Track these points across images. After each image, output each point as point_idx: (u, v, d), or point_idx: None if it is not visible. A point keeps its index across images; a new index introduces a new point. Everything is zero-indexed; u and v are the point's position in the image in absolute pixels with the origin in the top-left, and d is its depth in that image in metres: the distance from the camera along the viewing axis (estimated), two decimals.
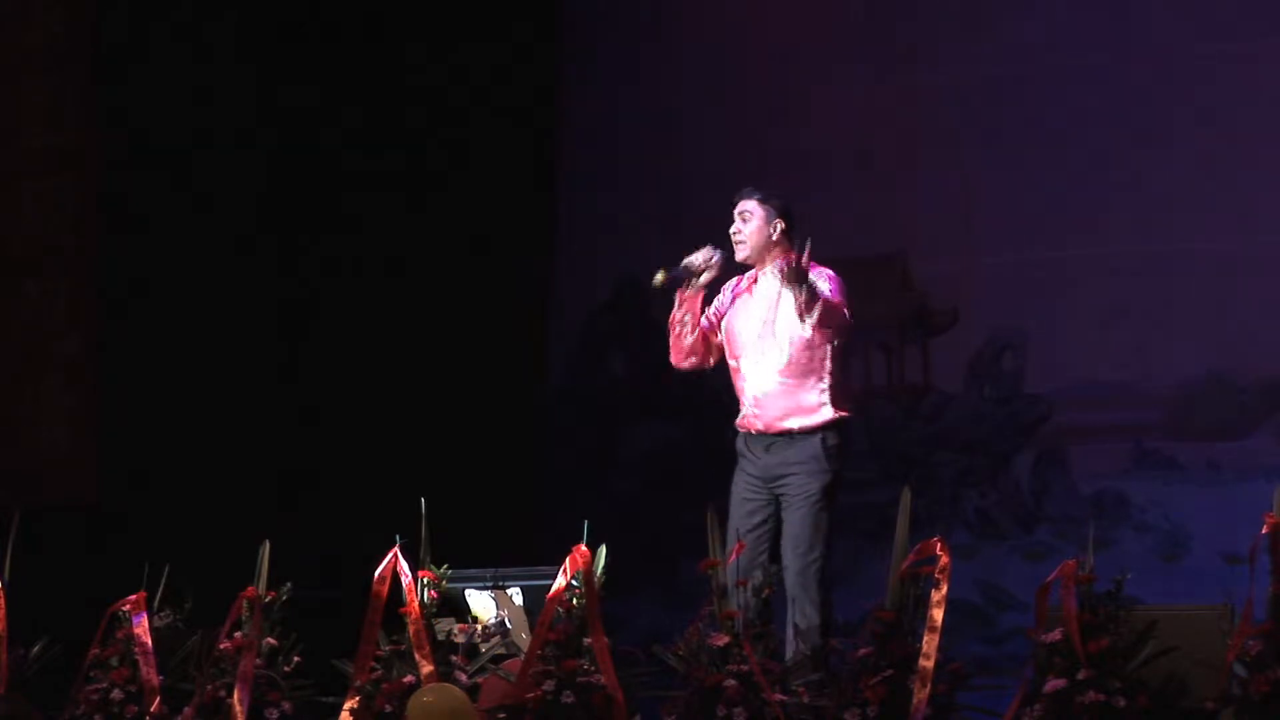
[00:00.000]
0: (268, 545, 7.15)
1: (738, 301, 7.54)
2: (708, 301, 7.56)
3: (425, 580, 6.85)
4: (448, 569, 6.95)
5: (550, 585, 6.62)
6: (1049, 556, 9.46)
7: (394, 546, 6.91)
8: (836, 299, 7.27)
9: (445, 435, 8.77)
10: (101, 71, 10.69)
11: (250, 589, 7.10)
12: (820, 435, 7.30)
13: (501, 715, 6.48)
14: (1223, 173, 9.78)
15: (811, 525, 7.18)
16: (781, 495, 7.31)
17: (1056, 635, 5.99)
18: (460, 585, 7.01)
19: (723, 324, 7.54)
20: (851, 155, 10.63)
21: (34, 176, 10.85)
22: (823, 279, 7.29)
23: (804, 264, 7.09)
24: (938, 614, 6.14)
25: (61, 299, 10.74)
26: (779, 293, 7.36)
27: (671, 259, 10.98)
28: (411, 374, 8.37)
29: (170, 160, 10.48)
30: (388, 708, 6.68)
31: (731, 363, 7.51)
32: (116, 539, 9.59)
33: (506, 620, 6.97)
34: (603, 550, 6.70)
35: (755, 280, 7.52)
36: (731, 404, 7.55)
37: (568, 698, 6.40)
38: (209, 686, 7.03)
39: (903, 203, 10.50)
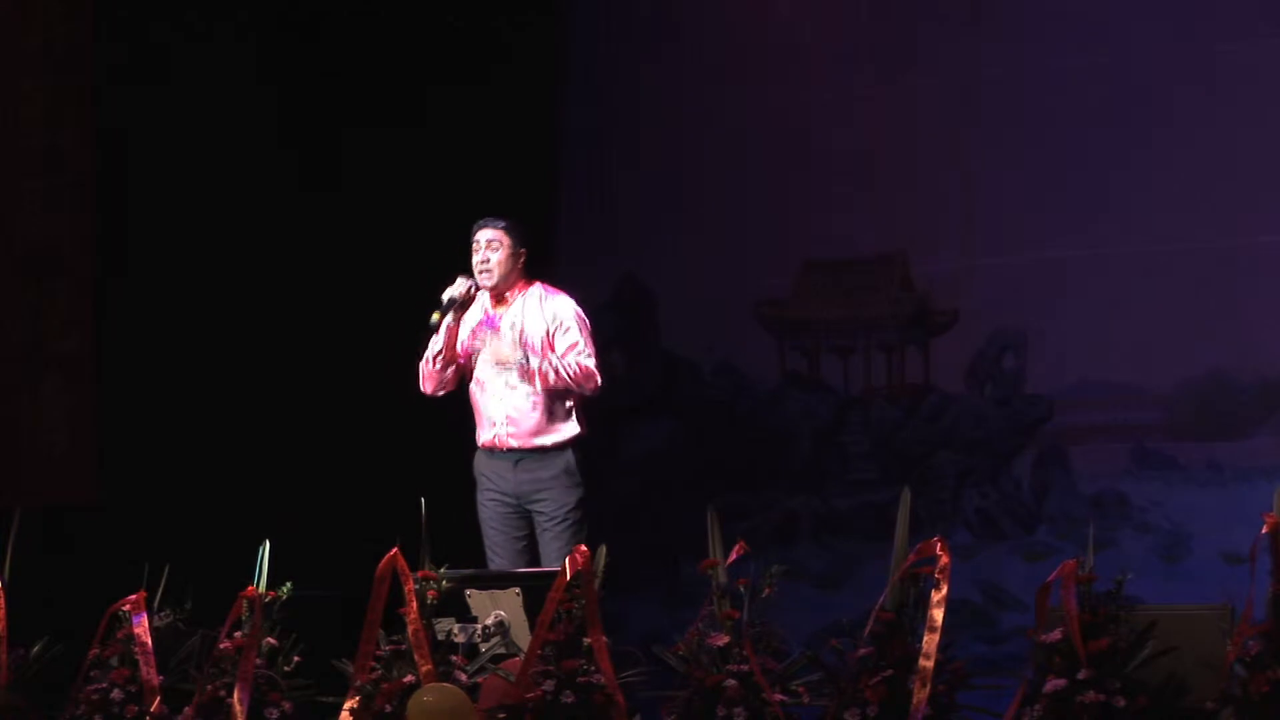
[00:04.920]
0: (268, 545, 7.16)
1: (484, 326, 7.91)
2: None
3: (425, 580, 6.85)
4: (447, 569, 6.95)
5: (550, 585, 6.62)
6: (1049, 556, 9.45)
7: (394, 546, 6.91)
8: (576, 376, 7.77)
9: (446, 435, 8.76)
10: (101, 72, 10.68)
11: (250, 589, 7.10)
12: (569, 450, 7.79)
13: (501, 715, 6.48)
14: (1223, 172, 9.78)
15: (571, 538, 7.57)
16: (536, 513, 7.77)
17: (1056, 635, 5.99)
18: (460, 585, 7.01)
19: (470, 348, 7.93)
20: (852, 155, 10.62)
21: (34, 176, 10.85)
22: (576, 355, 7.80)
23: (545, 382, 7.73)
24: (938, 614, 6.14)
25: (61, 299, 10.73)
26: (523, 319, 7.83)
27: (672, 259, 11.07)
28: (413, 374, 8.38)
29: (170, 160, 10.47)
30: (388, 708, 6.68)
31: (477, 387, 7.92)
32: (116, 539, 9.58)
33: (506, 620, 6.97)
34: (603, 550, 6.71)
35: (499, 303, 7.90)
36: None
37: (568, 698, 6.40)
38: (209, 686, 7.03)
39: (903, 203, 10.50)
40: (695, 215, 10.99)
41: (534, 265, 8.13)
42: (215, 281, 10.45)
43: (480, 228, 7.91)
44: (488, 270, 7.87)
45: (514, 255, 7.88)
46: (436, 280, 7.85)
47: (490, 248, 7.86)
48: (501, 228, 7.88)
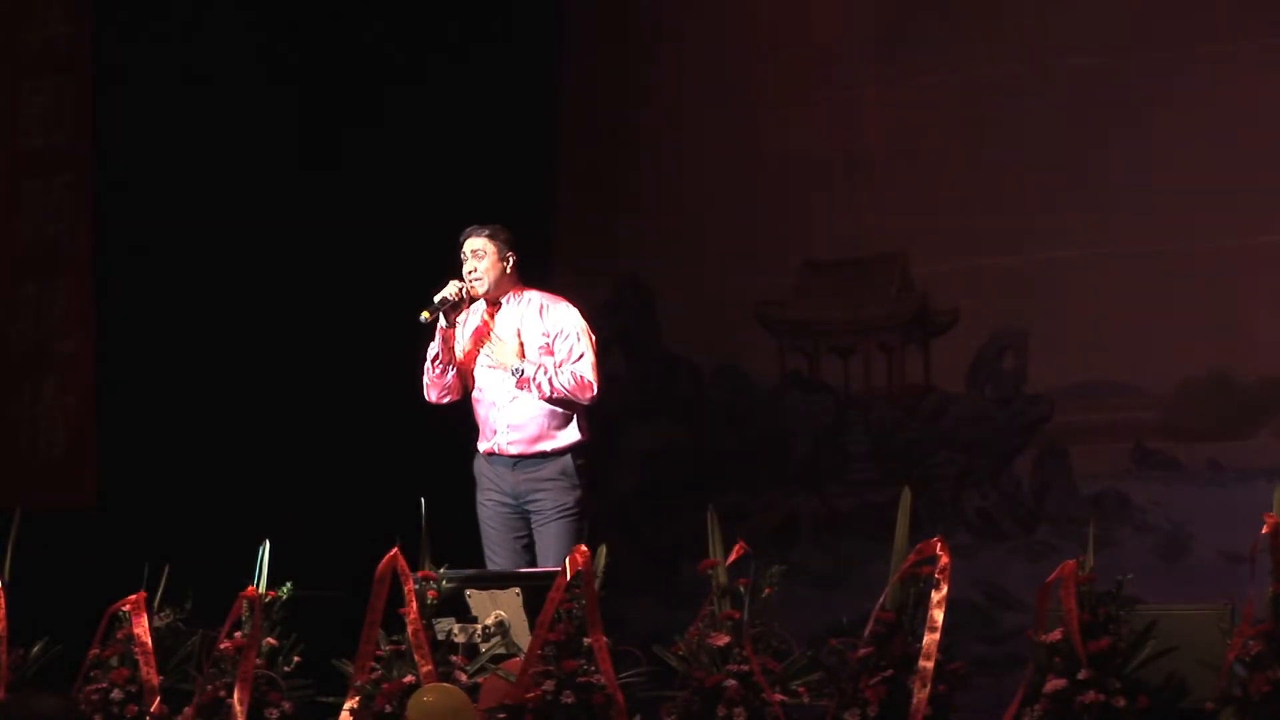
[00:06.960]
0: (268, 545, 7.16)
1: (479, 335, 7.95)
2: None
3: (425, 580, 6.85)
4: (447, 569, 6.95)
5: (550, 585, 6.62)
6: (1049, 556, 9.45)
7: (394, 546, 6.91)
8: (571, 389, 7.79)
9: (445, 435, 8.76)
10: (100, 72, 10.68)
11: (250, 589, 7.10)
12: (569, 454, 7.83)
13: (501, 715, 6.48)
14: (1223, 172, 9.78)
15: (567, 536, 7.61)
16: (533, 512, 7.81)
17: (1056, 635, 5.99)
18: (460, 585, 7.01)
19: (470, 353, 7.97)
20: (852, 155, 10.63)
21: (34, 176, 10.85)
22: (570, 368, 7.81)
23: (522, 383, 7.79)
24: (938, 614, 6.14)
25: (61, 299, 10.74)
26: (519, 329, 7.87)
27: (672, 259, 11.07)
28: (412, 374, 8.38)
29: (169, 160, 10.47)
30: (388, 708, 6.68)
31: (478, 394, 7.97)
32: (116, 539, 9.58)
33: (506, 620, 6.97)
34: (603, 550, 6.71)
35: (494, 314, 7.95)
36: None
37: (568, 698, 6.40)
38: (209, 686, 7.03)
39: (903, 203, 10.50)
40: (695, 215, 10.99)
41: (533, 266, 8.15)
42: (215, 282, 10.44)
43: (465, 237, 7.96)
44: (478, 279, 7.90)
45: (501, 261, 7.91)
46: (435, 281, 7.89)
47: (476, 257, 7.92)
48: (485, 235, 7.92)
